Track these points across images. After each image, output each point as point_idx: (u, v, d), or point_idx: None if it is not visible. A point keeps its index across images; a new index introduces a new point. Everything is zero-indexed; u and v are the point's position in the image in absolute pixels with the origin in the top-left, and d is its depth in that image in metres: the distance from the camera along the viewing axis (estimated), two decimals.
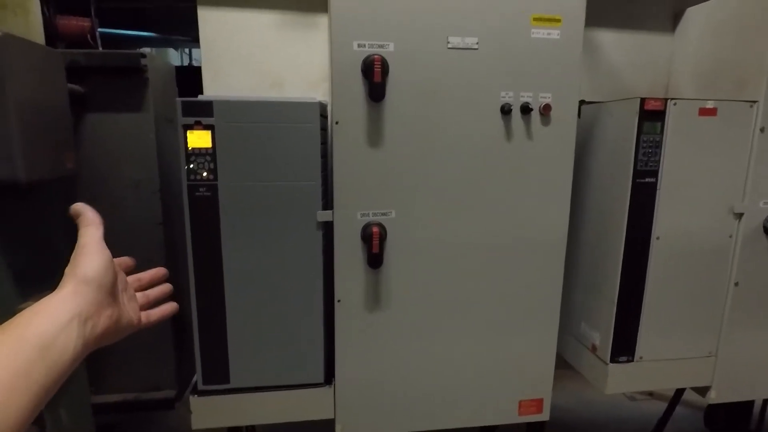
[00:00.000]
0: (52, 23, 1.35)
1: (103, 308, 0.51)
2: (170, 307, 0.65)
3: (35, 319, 0.45)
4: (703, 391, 1.48)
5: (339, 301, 1.22)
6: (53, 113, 1.11)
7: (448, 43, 1.13)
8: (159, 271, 0.67)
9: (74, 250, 0.53)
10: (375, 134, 1.15)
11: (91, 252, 0.52)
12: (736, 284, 1.38)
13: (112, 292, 0.53)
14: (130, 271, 0.64)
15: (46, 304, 0.47)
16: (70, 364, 0.45)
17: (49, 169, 1.06)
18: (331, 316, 1.23)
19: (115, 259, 0.61)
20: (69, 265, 0.52)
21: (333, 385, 1.26)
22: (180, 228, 1.17)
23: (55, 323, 0.45)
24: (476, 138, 1.19)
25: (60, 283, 0.50)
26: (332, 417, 1.28)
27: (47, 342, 0.43)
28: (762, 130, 1.30)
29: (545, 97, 1.19)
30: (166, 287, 0.66)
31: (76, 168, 1.22)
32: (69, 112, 1.19)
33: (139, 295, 0.62)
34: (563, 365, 1.39)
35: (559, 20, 1.15)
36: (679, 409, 2.20)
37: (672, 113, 1.25)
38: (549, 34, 1.15)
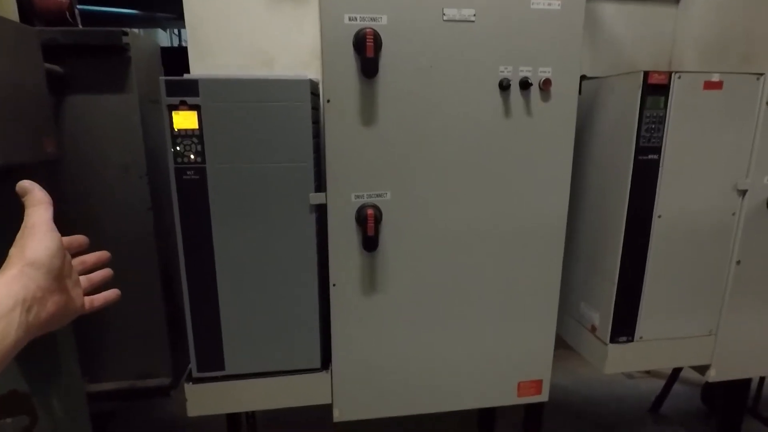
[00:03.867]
0: None
1: (50, 294, 0.49)
2: (114, 294, 0.62)
3: None
4: (702, 369, 1.47)
5: (334, 285, 1.19)
6: (29, 94, 1.05)
7: (444, 15, 1.07)
8: (103, 255, 0.64)
9: (20, 231, 0.49)
10: (368, 112, 1.10)
11: (41, 233, 0.49)
12: (738, 263, 1.36)
13: (60, 277, 0.50)
14: (82, 251, 0.61)
15: None
16: (9, 351, 0.43)
17: (26, 153, 1.02)
18: (327, 300, 1.21)
19: (64, 239, 0.57)
20: (15, 247, 0.48)
21: (330, 370, 1.25)
22: (169, 213, 1.13)
23: None
24: (474, 115, 1.14)
25: (4, 265, 0.47)
26: (329, 402, 1.27)
27: None
28: None
29: (545, 72, 1.14)
30: (107, 272, 0.63)
31: (58, 152, 1.17)
32: (47, 93, 1.13)
33: (82, 279, 0.59)
34: (560, 345, 1.38)
35: None
36: (676, 386, 2.22)
37: (676, 87, 1.20)
38: (549, 4, 1.10)
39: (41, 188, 0.52)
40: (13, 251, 0.48)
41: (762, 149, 1.28)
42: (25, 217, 0.50)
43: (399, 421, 1.32)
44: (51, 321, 0.49)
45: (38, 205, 0.51)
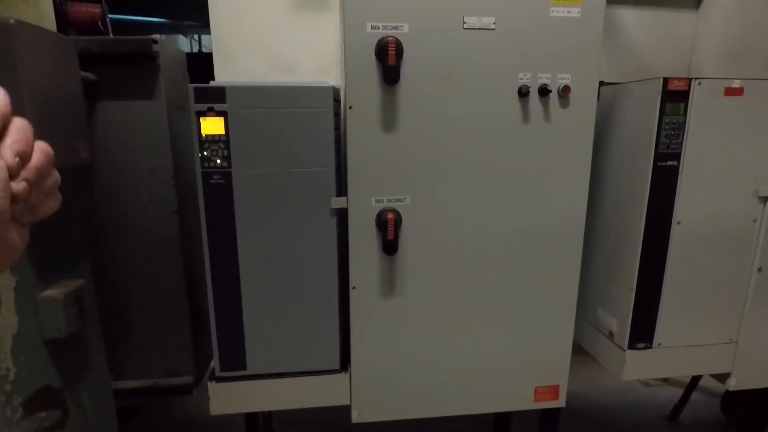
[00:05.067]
0: (63, 10, 1.34)
1: None
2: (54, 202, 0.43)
3: None
4: (722, 377, 1.46)
5: (354, 288, 1.21)
6: (67, 101, 1.10)
7: (464, 23, 1.09)
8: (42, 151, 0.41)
9: None
10: (389, 119, 1.12)
11: None
12: (759, 270, 1.35)
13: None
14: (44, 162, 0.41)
15: None
16: None
17: (63, 158, 1.06)
18: (347, 302, 1.23)
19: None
20: None
21: (349, 372, 1.27)
22: (194, 216, 1.17)
23: None
24: (493, 121, 1.16)
25: None
26: (348, 403, 1.29)
27: None
28: None
29: (564, 79, 1.15)
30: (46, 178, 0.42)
31: (91, 156, 1.22)
32: (82, 100, 1.18)
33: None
34: (577, 351, 1.38)
35: None
36: (695, 394, 2.19)
37: (696, 93, 1.21)
38: (569, 12, 1.11)
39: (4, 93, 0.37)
40: None
41: None
42: None
43: (415, 423, 1.33)
44: None
45: None
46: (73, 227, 1.18)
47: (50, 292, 1.07)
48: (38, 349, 1.07)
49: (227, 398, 1.25)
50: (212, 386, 1.23)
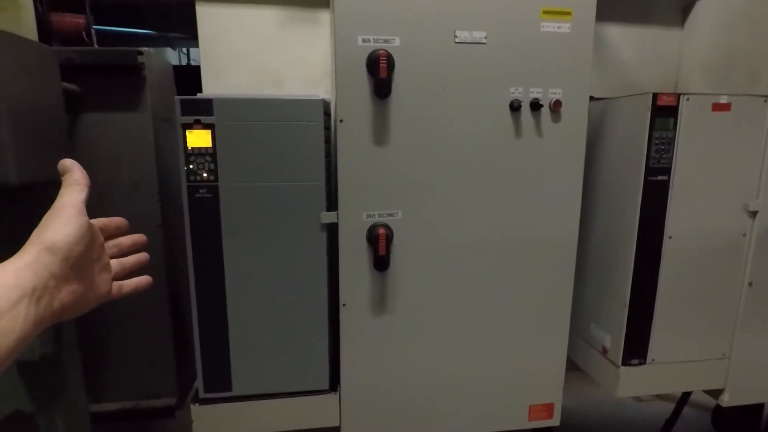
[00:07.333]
0: (46, 20, 1.31)
1: (66, 282, 0.45)
2: (145, 280, 0.59)
3: None
4: (715, 393, 1.45)
5: (344, 305, 1.18)
6: (47, 113, 1.07)
7: (456, 37, 1.09)
8: (139, 238, 0.62)
9: (49, 210, 0.47)
10: (380, 132, 1.11)
11: (66, 216, 0.46)
12: (750, 284, 1.35)
13: (80, 265, 0.47)
14: (120, 233, 0.60)
15: None
16: (13, 348, 0.39)
17: (42, 171, 1.02)
18: (336, 320, 1.20)
19: (102, 220, 0.56)
20: (38, 227, 0.45)
21: (338, 392, 1.23)
22: (179, 231, 1.13)
23: None
24: (485, 135, 1.15)
25: (23, 247, 0.44)
26: (338, 424, 1.25)
27: None
28: None
29: (555, 93, 1.15)
30: (143, 257, 0.61)
31: None
32: (63, 112, 1.15)
33: (114, 262, 0.56)
34: (568, 367, 1.37)
35: (569, 13, 1.11)
36: (685, 409, 2.17)
37: (685, 109, 1.21)
38: (559, 27, 1.12)
39: (81, 168, 0.50)
40: (35, 232, 0.45)
41: None
42: (57, 197, 0.47)
43: None
44: (65, 311, 0.46)
45: (72, 186, 0.48)
46: None
47: None
48: (9, 372, 1.01)
49: (211, 421, 1.19)
50: (195, 409, 1.18)
